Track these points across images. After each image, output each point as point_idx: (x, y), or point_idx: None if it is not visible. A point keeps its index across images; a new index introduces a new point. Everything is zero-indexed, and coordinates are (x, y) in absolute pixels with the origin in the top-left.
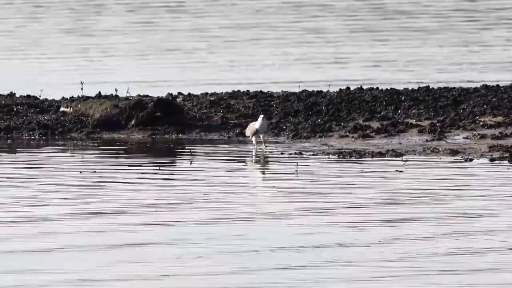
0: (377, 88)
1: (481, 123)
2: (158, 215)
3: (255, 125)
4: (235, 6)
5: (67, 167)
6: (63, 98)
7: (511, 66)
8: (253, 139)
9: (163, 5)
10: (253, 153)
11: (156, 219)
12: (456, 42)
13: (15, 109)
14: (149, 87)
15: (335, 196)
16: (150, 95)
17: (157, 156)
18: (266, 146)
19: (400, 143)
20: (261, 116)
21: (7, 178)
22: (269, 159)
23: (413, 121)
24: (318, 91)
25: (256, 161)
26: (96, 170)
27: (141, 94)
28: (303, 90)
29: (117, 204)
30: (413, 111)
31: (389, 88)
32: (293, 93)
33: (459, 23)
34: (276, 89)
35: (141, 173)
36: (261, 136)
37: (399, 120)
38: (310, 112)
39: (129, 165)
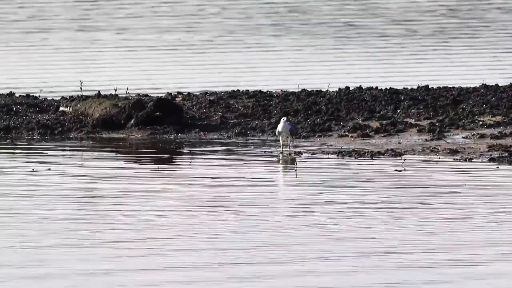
0: (376, 87)
1: (481, 122)
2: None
3: (278, 127)
4: (233, 7)
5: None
6: (62, 97)
7: None
8: (280, 139)
9: (162, 5)
10: (279, 154)
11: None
12: None
13: (14, 109)
14: (149, 87)
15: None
16: (149, 95)
17: (156, 155)
18: (290, 148)
19: (399, 143)
20: (283, 118)
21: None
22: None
23: (413, 121)
24: (317, 91)
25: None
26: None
27: (141, 94)
28: (302, 89)
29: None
30: (413, 110)
31: (388, 88)
32: (293, 93)
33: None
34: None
35: (140, 168)
36: (288, 137)
37: (399, 120)
38: (309, 112)
39: (128, 164)
